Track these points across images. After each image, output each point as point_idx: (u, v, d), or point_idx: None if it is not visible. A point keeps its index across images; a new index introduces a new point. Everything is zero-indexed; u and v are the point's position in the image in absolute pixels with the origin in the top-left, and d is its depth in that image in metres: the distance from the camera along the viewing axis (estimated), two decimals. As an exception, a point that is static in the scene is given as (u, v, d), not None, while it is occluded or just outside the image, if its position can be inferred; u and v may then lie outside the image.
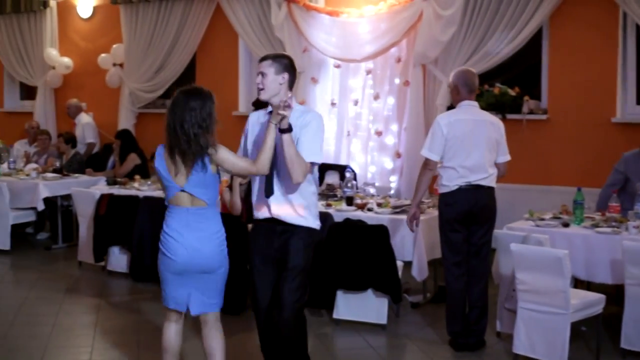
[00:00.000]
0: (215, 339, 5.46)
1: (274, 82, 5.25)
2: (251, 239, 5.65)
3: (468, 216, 6.67)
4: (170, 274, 5.25)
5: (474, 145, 6.64)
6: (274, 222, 5.40)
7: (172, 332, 5.47)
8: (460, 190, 6.65)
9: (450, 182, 6.70)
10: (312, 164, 5.26)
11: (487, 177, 6.67)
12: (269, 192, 5.34)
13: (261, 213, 5.51)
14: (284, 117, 4.97)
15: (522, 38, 9.50)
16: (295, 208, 5.32)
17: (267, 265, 5.48)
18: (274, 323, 5.43)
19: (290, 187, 5.27)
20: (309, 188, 5.37)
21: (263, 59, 5.36)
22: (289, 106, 5.00)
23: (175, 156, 5.07)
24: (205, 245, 5.22)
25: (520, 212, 7.72)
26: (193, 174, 5.09)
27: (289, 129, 5.01)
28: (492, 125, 6.76)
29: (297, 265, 5.33)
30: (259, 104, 9.64)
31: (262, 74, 5.27)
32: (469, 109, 6.80)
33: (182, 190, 5.15)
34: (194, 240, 5.19)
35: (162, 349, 5.44)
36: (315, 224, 5.46)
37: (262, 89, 5.30)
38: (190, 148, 5.01)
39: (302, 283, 5.37)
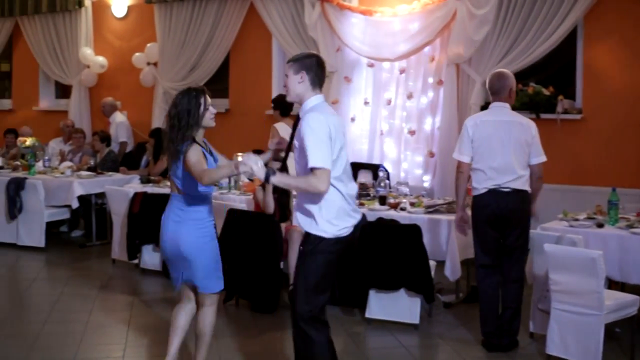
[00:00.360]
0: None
1: (293, 82, 5.20)
2: None
3: (498, 219, 6.64)
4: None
5: (500, 147, 6.62)
6: None
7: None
8: (490, 193, 6.65)
9: (479, 184, 6.71)
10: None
11: (517, 180, 6.61)
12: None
13: None
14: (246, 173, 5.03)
15: (556, 37, 9.44)
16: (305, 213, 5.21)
17: None
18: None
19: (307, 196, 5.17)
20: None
21: (288, 61, 5.37)
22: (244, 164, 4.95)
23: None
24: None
25: (554, 212, 7.66)
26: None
27: (267, 179, 4.90)
28: (521, 126, 6.69)
29: (300, 275, 5.20)
30: (278, 103, 9.73)
31: (286, 76, 5.27)
32: (497, 110, 6.78)
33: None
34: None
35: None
36: (323, 231, 5.11)
37: (287, 91, 5.30)
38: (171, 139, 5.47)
39: (306, 296, 5.15)
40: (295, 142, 5.15)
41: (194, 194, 5.52)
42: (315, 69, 5.18)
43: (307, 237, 5.14)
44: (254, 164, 4.85)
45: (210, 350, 5.83)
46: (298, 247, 7.35)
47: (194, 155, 5.33)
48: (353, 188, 5.24)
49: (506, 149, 6.61)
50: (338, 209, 5.08)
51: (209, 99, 5.55)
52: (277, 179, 4.94)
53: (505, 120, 6.69)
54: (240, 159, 4.99)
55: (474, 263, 7.31)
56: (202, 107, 5.47)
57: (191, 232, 5.51)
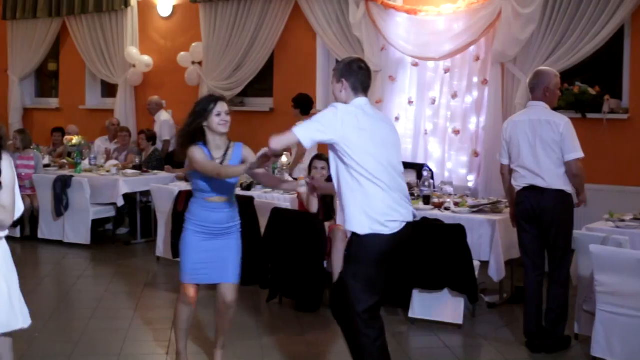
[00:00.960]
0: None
1: (336, 91, 5.32)
2: None
3: (533, 217, 6.66)
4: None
5: (530, 146, 6.64)
6: None
7: None
8: (525, 191, 6.69)
9: (516, 182, 6.80)
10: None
11: (552, 178, 6.58)
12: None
13: None
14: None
15: (603, 36, 9.34)
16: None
17: None
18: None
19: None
20: (346, 185, 5.17)
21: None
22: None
23: None
24: None
25: (599, 212, 7.59)
26: None
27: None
28: (549, 124, 6.63)
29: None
30: (299, 102, 9.97)
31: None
32: (530, 109, 6.82)
33: None
34: None
35: None
36: (354, 226, 5.15)
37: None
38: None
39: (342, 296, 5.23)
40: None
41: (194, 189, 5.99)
42: (356, 74, 5.22)
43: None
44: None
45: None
46: (342, 246, 7.41)
47: (197, 153, 5.77)
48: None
49: (534, 148, 6.62)
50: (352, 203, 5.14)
51: (224, 107, 5.80)
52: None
53: (535, 119, 6.68)
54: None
55: (518, 263, 7.28)
56: (212, 113, 5.76)
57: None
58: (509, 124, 6.85)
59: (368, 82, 5.27)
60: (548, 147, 6.60)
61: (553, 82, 6.80)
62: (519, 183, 6.73)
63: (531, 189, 6.63)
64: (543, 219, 6.62)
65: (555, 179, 6.58)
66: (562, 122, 6.64)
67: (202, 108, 5.83)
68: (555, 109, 6.90)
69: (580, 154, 6.63)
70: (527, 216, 6.69)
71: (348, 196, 5.10)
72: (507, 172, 6.90)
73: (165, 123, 13.22)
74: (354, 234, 5.11)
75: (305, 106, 10.41)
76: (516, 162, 6.74)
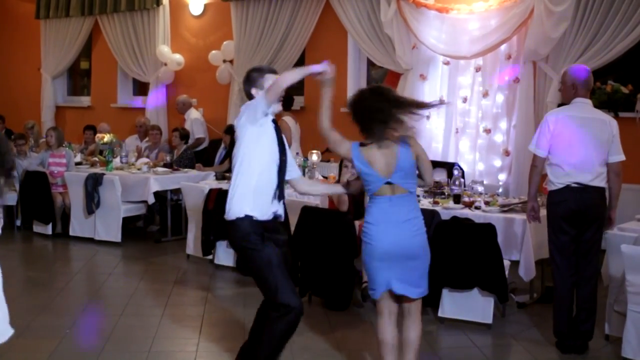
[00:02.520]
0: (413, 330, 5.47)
1: None
2: None
3: (575, 215, 6.54)
4: (375, 261, 5.29)
5: (581, 143, 6.52)
6: None
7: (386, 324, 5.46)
8: (568, 189, 6.55)
9: (557, 179, 6.61)
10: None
11: (596, 177, 6.50)
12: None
13: None
14: None
15: (635, 34, 9.26)
16: None
17: None
18: None
19: None
20: None
21: None
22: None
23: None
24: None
25: (632, 212, 7.54)
26: None
27: None
28: (603, 123, 6.57)
29: None
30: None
31: None
32: (580, 106, 6.66)
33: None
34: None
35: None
36: None
37: None
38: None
39: None
40: None
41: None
42: None
43: None
44: None
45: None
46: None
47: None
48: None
49: (586, 145, 6.50)
50: None
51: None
52: None
53: (588, 117, 6.58)
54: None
55: (548, 263, 7.23)
56: None
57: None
58: (557, 119, 6.64)
59: None
60: (600, 146, 6.51)
61: (575, 79, 6.71)
62: (560, 180, 6.57)
63: (573, 188, 6.52)
64: (587, 216, 6.53)
65: (600, 178, 6.52)
66: (614, 123, 6.60)
67: None
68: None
69: (623, 157, 6.60)
70: (570, 216, 6.56)
71: None
72: (541, 165, 6.71)
73: (195, 121, 13.28)
74: None
75: (287, 102, 10.95)
76: (560, 158, 6.57)
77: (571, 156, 6.52)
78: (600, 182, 6.54)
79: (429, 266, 5.39)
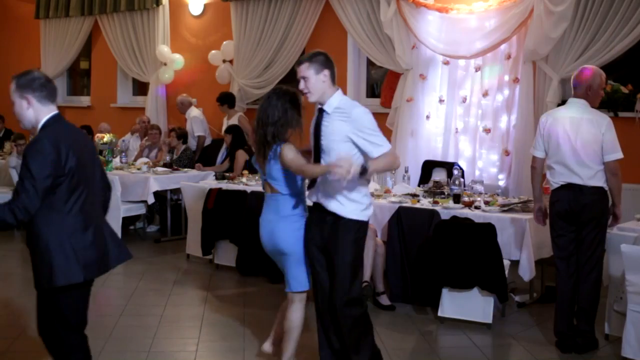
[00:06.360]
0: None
1: (317, 82, 5.37)
2: None
3: (570, 215, 6.57)
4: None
5: (572, 143, 6.54)
6: None
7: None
8: (563, 188, 6.60)
9: (552, 179, 6.69)
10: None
11: (592, 177, 6.51)
12: None
13: None
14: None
15: (635, 34, 9.24)
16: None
17: None
18: None
19: None
20: None
21: (299, 62, 5.48)
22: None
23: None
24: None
25: (631, 212, 7.53)
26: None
27: (364, 171, 5.12)
28: (590, 122, 6.56)
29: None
30: (226, 98, 10.97)
31: (304, 78, 5.41)
32: (571, 106, 6.72)
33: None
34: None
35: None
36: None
37: (307, 93, 5.43)
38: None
39: None
40: (327, 138, 5.39)
41: (290, 192, 5.67)
42: (332, 66, 5.42)
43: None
44: (350, 166, 4.99)
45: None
46: (371, 243, 7.41)
47: (291, 152, 5.54)
48: None
49: (574, 145, 6.53)
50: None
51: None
52: (372, 167, 5.22)
53: (576, 117, 6.60)
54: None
55: (548, 263, 7.22)
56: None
57: (287, 227, 5.63)
58: (548, 119, 6.73)
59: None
60: (589, 145, 6.52)
61: (597, 81, 6.74)
62: (556, 180, 6.64)
63: (568, 187, 6.55)
64: (583, 215, 6.54)
65: (594, 177, 6.52)
66: (605, 121, 6.59)
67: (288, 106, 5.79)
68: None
69: (620, 155, 6.58)
70: (565, 215, 6.59)
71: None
72: (539, 166, 6.80)
73: (195, 119, 13.25)
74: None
75: (231, 101, 12.72)
76: (554, 158, 6.64)
77: (562, 156, 6.58)
78: (598, 182, 6.53)
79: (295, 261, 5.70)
